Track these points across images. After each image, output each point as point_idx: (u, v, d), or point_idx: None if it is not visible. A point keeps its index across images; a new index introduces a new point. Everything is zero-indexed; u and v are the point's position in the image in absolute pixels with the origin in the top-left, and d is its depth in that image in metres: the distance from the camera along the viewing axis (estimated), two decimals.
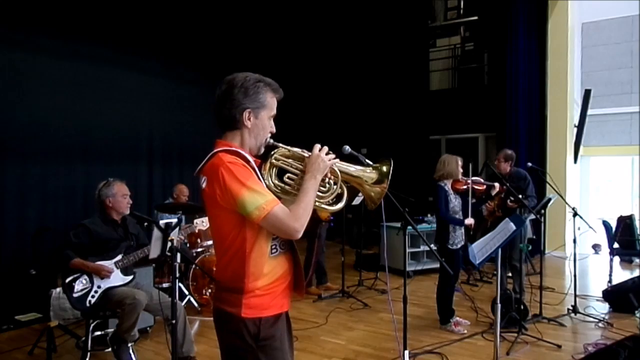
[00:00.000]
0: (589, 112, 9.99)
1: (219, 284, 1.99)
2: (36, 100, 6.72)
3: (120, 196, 4.07)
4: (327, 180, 1.96)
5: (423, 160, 10.14)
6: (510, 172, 5.87)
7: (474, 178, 5.19)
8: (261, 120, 1.95)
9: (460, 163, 5.06)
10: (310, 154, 1.94)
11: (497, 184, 5.29)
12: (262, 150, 2.00)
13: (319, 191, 1.95)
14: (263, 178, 1.93)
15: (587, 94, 9.92)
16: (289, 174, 1.96)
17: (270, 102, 1.97)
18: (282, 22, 10.10)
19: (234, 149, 1.90)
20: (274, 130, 2.02)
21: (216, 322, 1.98)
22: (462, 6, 11.66)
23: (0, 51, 6.42)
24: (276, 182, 1.95)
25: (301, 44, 10.79)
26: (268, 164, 1.95)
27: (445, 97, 10.97)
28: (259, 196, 1.77)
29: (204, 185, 1.89)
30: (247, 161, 1.87)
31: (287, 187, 1.95)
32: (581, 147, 10.14)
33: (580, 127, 9.94)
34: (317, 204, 1.95)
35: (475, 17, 11.06)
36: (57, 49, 7.03)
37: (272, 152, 1.98)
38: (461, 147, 9.74)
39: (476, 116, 10.27)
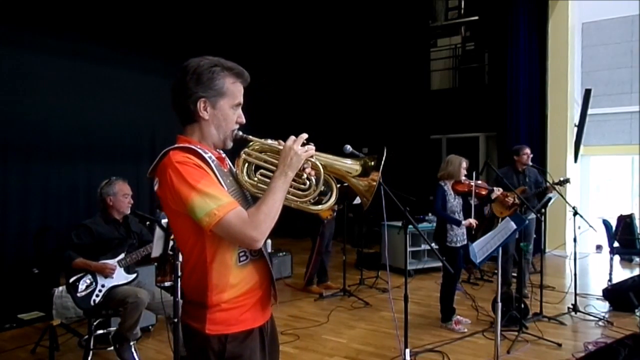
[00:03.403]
0: (589, 111, 10.00)
1: (185, 297, 1.78)
2: (38, 99, 6.75)
3: (121, 195, 4.08)
4: (305, 175, 1.71)
5: (424, 160, 10.17)
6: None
7: (477, 182, 5.19)
8: (221, 110, 1.71)
9: (464, 165, 5.07)
10: (284, 145, 1.69)
11: (497, 189, 5.29)
12: (230, 143, 1.78)
13: (298, 189, 1.72)
14: (237, 176, 1.73)
15: (587, 94, 9.92)
16: (262, 171, 1.73)
17: (232, 88, 1.71)
18: (283, 22, 10.11)
19: (187, 145, 1.67)
20: (242, 120, 1.77)
21: (184, 337, 1.80)
22: (462, 6, 11.66)
23: (3, 51, 6.44)
24: (251, 180, 1.73)
25: (302, 43, 10.81)
26: (241, 161, 1.73)
27: (446, 97, 10.98)
28: (210, 200, 1.54)
29: (155, 188, 1.68)
30: (203, 159, 1.64)
31: (261, 185, 1.71)
32: (581, 147, 10.15)
33: (580, 126, 9.95)
34: (297, 203, 1.74)
35: (476, 17, 11.06)
36: (59, 49, 7.06)
37: (245, 147, 1.75)
38: (462, 147, 9.75)
39: (477, 116, 10.29)
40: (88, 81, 7.34)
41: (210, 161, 1.67)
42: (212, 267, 1.65)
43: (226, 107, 1.72)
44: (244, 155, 1.74)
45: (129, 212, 4.15)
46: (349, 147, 2.27)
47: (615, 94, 11.74)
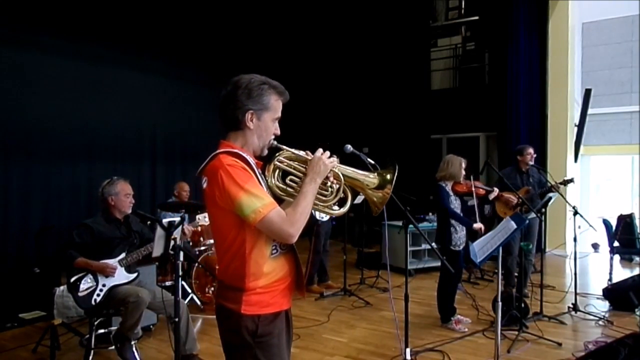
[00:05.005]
0: (589, 111, 10.02)
1: (221, 282, 2.00)
2: (41, 99, 6.77)
3: (123, 195, 4.09)
4: (329, 183, 1.95)
5: (424, 160, 10.18)
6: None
7: (475, 182, 5.18)
8: (264, 122, 1.95)
9: (463, 165, 5.04)
10: (313, 156, 1.94)
11: (495, 189, 5.30)
12: (266, 152, 2.01)
13: (321, 195, 1.95)
14: (266, 180, 1.94)
15: (587, 94, 9.95)
16: (291, 177, 1.96)
17: (275, 104, 1.96)
18: (284, 22, 10.13)
19: (235, 150, 1.90)
20: (278, 132, 2.01)
21: (217, 318, 2.00)
22: (463, 6, 11.69)
23: (6, 51, 6.46)
24: (280, 184, 1.95)
25: (303, 43, 10.82)
26: (272, 166, 1.94)
27: (446, 97, 10.99)
28: (256, 199, 1.77)
29: (204, 186, 1.90)
30: (248, 163, 1.87)
31: (289, 189, 1.95)
32: (581, 146, 10.18)
33: (580, 126, 9.97)
34: (320, 207, 1.96)
35: (476, 17, 11.09)
36: (61, 49, 7.07)
37: (276, 154, 1.97)
38: (462, 147, 9.78)
39: (477, 115, 10.30)
40: (89, 81, 7.35)
41: (253, 165, 1.90)
42: (250, 258, 1.87)
43: (268, 120, 1.97)
44: (276, 161, 1.95)
45: (130, 211, 4.15)
46: (349, 147, 2.28)
47: (615, 94, 11.76)
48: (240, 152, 1.90)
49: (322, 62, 11.20)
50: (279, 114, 2.00)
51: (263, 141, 1.97)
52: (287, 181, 1.96)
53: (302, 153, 1.96)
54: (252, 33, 9.69)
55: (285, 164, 1.96)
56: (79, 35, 7.22)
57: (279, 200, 1.91)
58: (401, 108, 10.75)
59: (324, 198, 1.96)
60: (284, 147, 1.97)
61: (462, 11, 11.71)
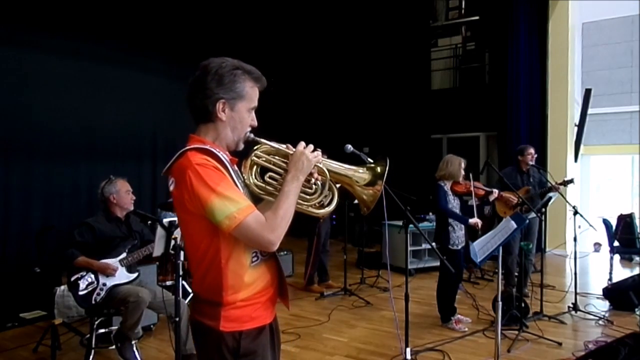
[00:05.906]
0: (590, 111, 10.01)
1: (197, 296, 1.78)
2: (41, 99, 6.78)
3: (124, 192, 4.11)
4: (313, 180, 1.74)
5: (424, 159, 10.17)
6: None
7: (474, 183, 5.19)
8: (238, 113, 1.72)
9: (463, 165, 5.05)
10: (295, 150, 1.72)
11: (495, 190, 5.31)
12: (241, 146, 1.79)
13: (305, 193, 1.75)
14: (244, 177, 1.74)
15: (587, 93, 9.94)
16: (271, 173, 1.74)
17: (250, 92, 1.74)
18: (284, 21, 10.14)
19: (205, 147, 1.67)
20: (255, 123, 1.79)
21: (194, 335, 1.80)
22: (463, 6, 11.67)
23: (6, 51, 6.46)
24: (258, 182, 1.74)
25: (303, 43, 10.83)
26: (249, 162, 1.74)
27: (446, 97, 10.99)
28: (230, 203, 1.55)
29: (171, 188, 1.68)
30: (220, 161, 1.65)
31: (269, 187, 1.73)
32: (581, 146, 10.17)
33: (580, 126, 9.96)
34: (303, 207, 1.75)
35: (477, 17, 11.08)
36: (62, 49, 7.08)
37: (254, 149, 1.76)
38: (462, 146, 9.78)
39: (477, 115, 10.30)
40: (90, 81, 7.36)
41: (226, 163, 1.68)
42: (227, 268, 1.65)
43: (243, 110, 1.74)
44: (253, 156, 1.74)
45: (132, 207, 4.16)
46: (349, 147, 2.28)
47: (615, 93, 11.75)
48: (211, 149, 1.67)
49: (323, 62, 11.19)
50: (256, 103, 1.77)
51: (238, 134, 1.75)
52: (267, 178, 1.74)
53: (282, 146, 1.75)
54: (253, 33, 9.69)
55: (264, 159, 1.74)
56: (78, 35, 7.23)
57: (258, 200, 1.74)
58: (401, 108, 10.74)
59: (307, 197, 1.76)
60: (262, 140, 1.76)
61: (462, 11, 11.69)
